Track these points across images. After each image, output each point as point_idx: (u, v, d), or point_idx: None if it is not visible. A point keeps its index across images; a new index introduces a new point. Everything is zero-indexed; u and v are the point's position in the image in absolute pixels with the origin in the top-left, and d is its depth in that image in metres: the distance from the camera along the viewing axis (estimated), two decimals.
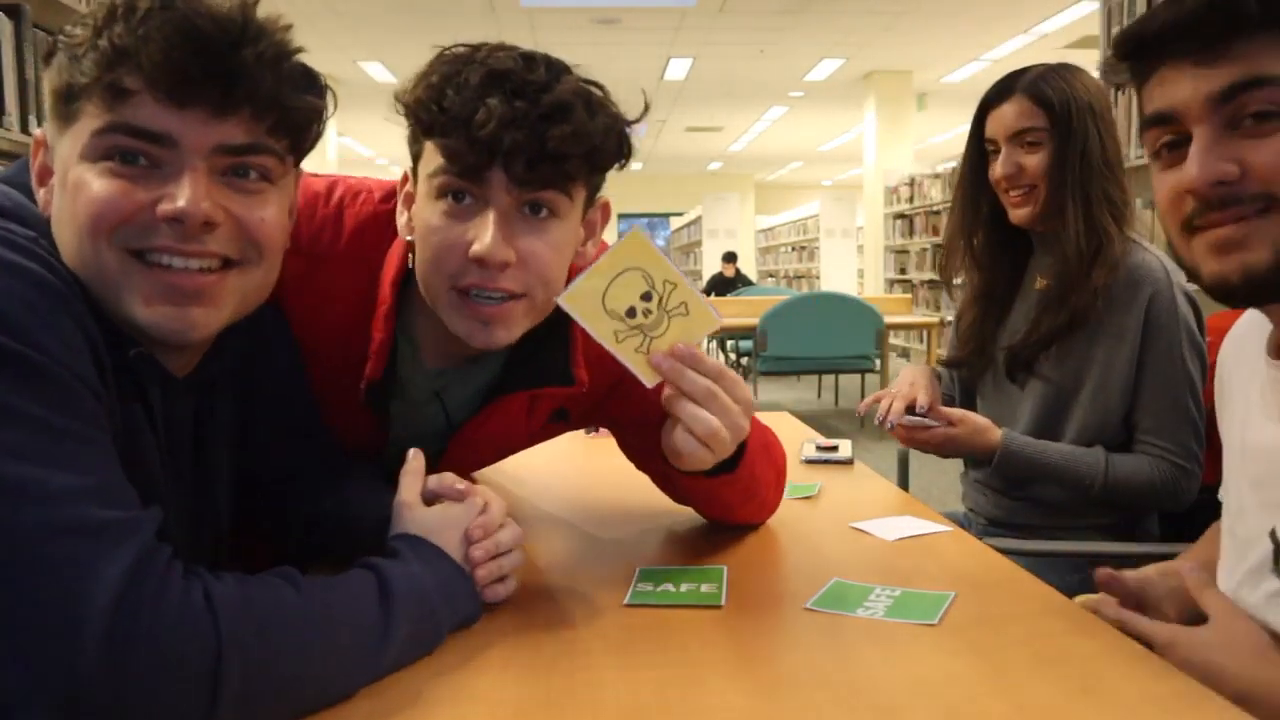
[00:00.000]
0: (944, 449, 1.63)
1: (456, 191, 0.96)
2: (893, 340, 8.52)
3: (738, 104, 13.03)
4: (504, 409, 1.15)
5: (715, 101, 12.77)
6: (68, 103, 0.78)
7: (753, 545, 1.20)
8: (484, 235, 0.94)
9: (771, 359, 5.81)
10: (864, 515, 1.29)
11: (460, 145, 0.93)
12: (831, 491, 1.45)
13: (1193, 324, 1.55)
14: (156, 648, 0.66)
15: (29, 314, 0.71)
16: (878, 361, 5.96)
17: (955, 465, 1.84)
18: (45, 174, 0.82)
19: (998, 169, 1.61)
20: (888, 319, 5.91)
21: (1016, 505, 1.69)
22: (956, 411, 1.63)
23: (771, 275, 17.19)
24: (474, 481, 1.02)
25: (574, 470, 1.62)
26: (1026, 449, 1.58)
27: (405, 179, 1.06)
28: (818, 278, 13.50)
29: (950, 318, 1.91)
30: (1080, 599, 1.01)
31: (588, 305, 0.93)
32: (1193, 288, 1.17)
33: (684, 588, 1.01)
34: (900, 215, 10.34)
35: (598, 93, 0.99)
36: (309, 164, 0.96)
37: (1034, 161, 1.58)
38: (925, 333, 7.22)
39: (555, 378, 1.10)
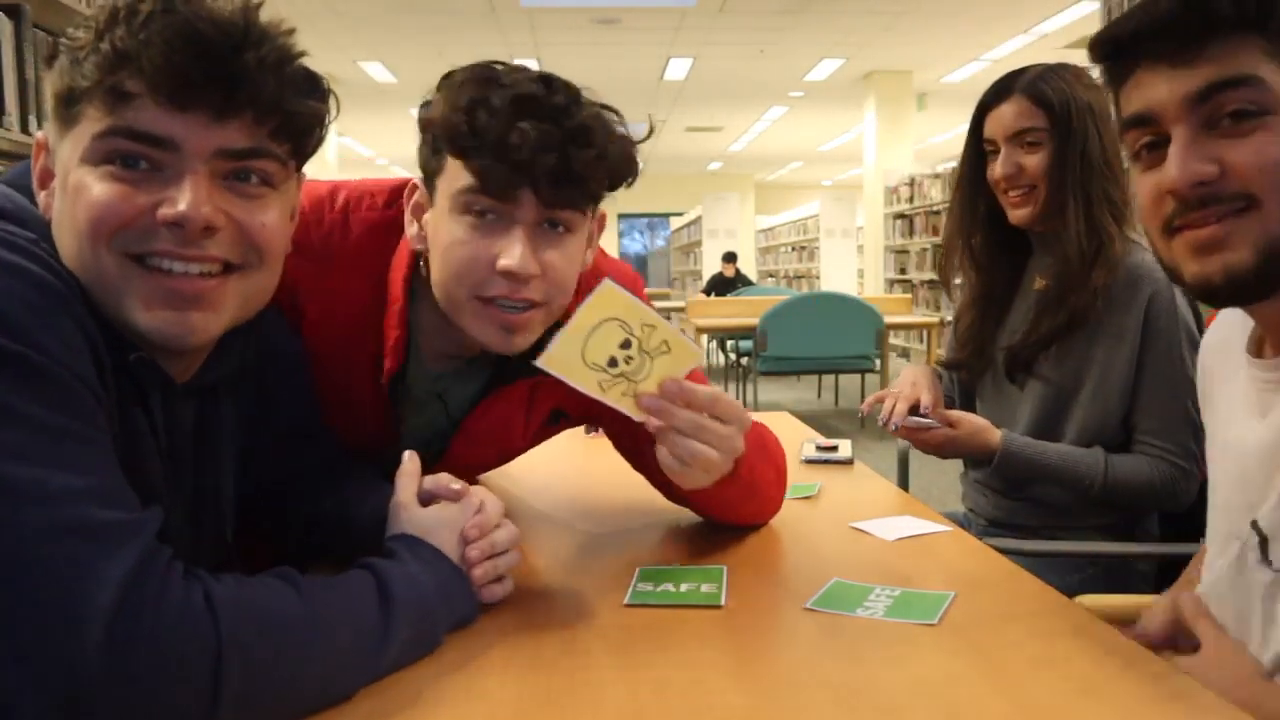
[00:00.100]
0: (944, 449, 1.63)
1: (483, 209, 1.00)
2: (893, 340, 8.52)
3: (738, 104, 13.03)
4: (505, 400, 1.18)
5: (715, 101, 12.77)
6: (69, 106, 0.78)
7: (753, 545, 1.20)
8: (514, 251, 0.99)
9: (771, 359, 5.81)
10: (864, 515, 1.29)
11: (495, 167, 0.97)
12: (831, 491, 1.45)
13: (1192, 324, 1.55)
14: (157, 648, 0.66)
15: (29, 314, 0.71)
16: (878, 361, 5.96)
17: (955, 465, 1.84)
18: (46, 177, 0.82)
19: (997, 169, 1.61)
20: (888, 319, 5.91)
21: (1016, 506, 1.68)
22: (955, 413, 1.63)
23: (771, 275, 17.19)
24: (476, 483, 1.03)
25: (574, 470, 1.62)
26: (1026, 449, 1.58)
27: (413, 189, 1.09)
28: (818, 278, 13.50)
29: (950, 318, 1.91)
30: (1081, 598, 1.02)
31: (568, 363, 0.95)
32: None
33: (684, 588, 1.01)
34: (900, 215, 10.34)
35: (612, 115, 1.05)
36: (307, 165, 0.96)
37: (1034, 162, 1.57)
38: (925, 333, 7.22)
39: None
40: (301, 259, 0.97)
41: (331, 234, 1.12)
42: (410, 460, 1.00)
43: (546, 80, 1.01)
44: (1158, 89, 0.85)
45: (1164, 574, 1.57)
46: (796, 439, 1.79)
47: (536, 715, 0.76)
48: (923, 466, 3.48)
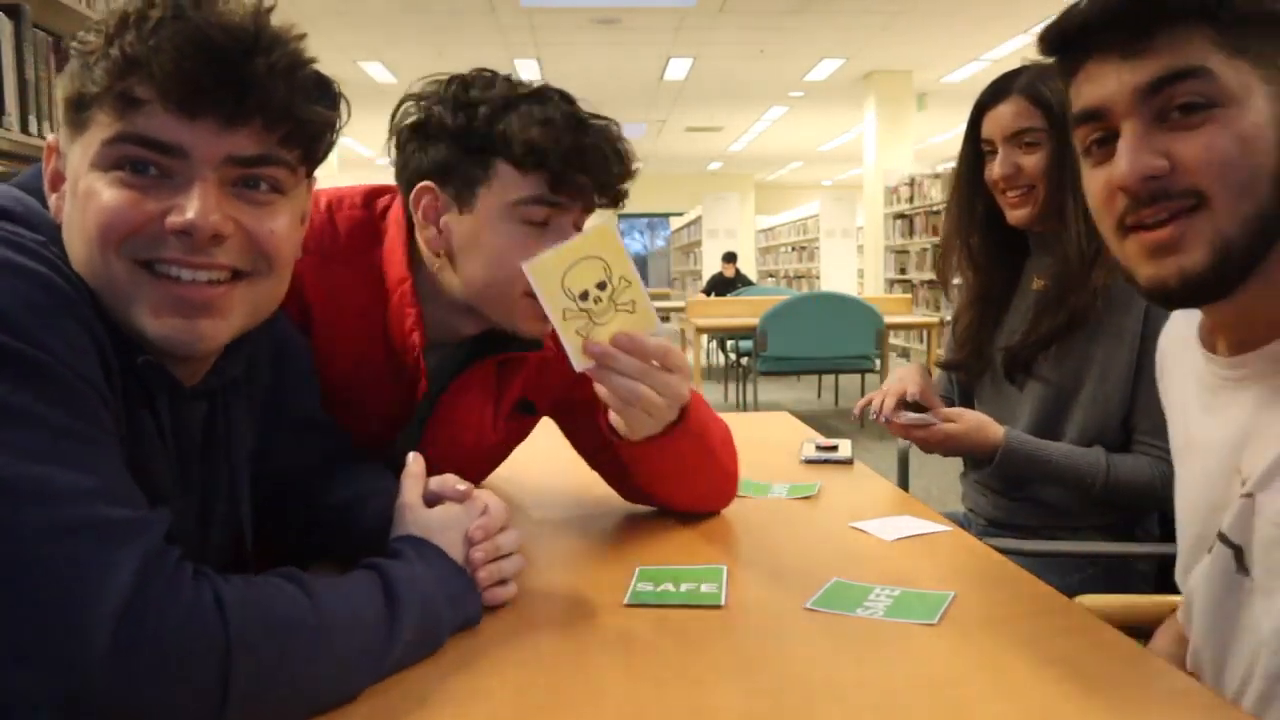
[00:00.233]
0: (945, 446, 1.62)
1: (546, 218, 1.12)
2: (893, 340, 8.52)
3: (738, 104, 13.03)
4: (473, 380, 1.24)
5: (715, 101, 12.77)
6: (79, 110, 0.78)
7: (753, 545, 1.20)
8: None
9: (771, 359, 5.81)
10: (864, 515, 1.29)
11: (582, 179, 1.11)
12: (831, 491, 1.45)
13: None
14: (165, 649, 0.66)
15: (33, 315, 0.71)
16: (878, 361, 5.95)
17: (955, 465, 1.84)
18: (57, 180, 0.82)
19: (995, 170, 1.61)
20: (888, 319, 5.90)
21: (1016, 506, 1.68)
22: (955, 410, 1.62)
23: (771, 275, 17.19)
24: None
25: (574, 470, 1.61)
26: (1028, 446, 1.58)
27: (422, 192, 1.14)
28: (818, 278, 13.50)
29: (950, 318, 1.91)
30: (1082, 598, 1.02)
31: (548, 277, 1.02)
32: None
33: (684, 588, 1.01)
34: (900, 215, 10.34)
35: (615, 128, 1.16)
36: None
37: (1032, 162, 1.57)
38: (925, 333, 7.22)
39: (521, 346, 1.23)
40: (302, 256, 0.97)
41: (323, 234, 1.18)
42: (415, 462, 1.01)
43: (567, 96, 1.15)
44: (1108, 82, 0.84)
45: (1164, 574, 1.56)
46: (796, 439, 1.79)
47: (536, 715, 0.76)
48: (923, 466, 3.49)
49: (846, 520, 1.27)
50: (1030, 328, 1.63)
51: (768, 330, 5.64)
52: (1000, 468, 1.59)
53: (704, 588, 1.01)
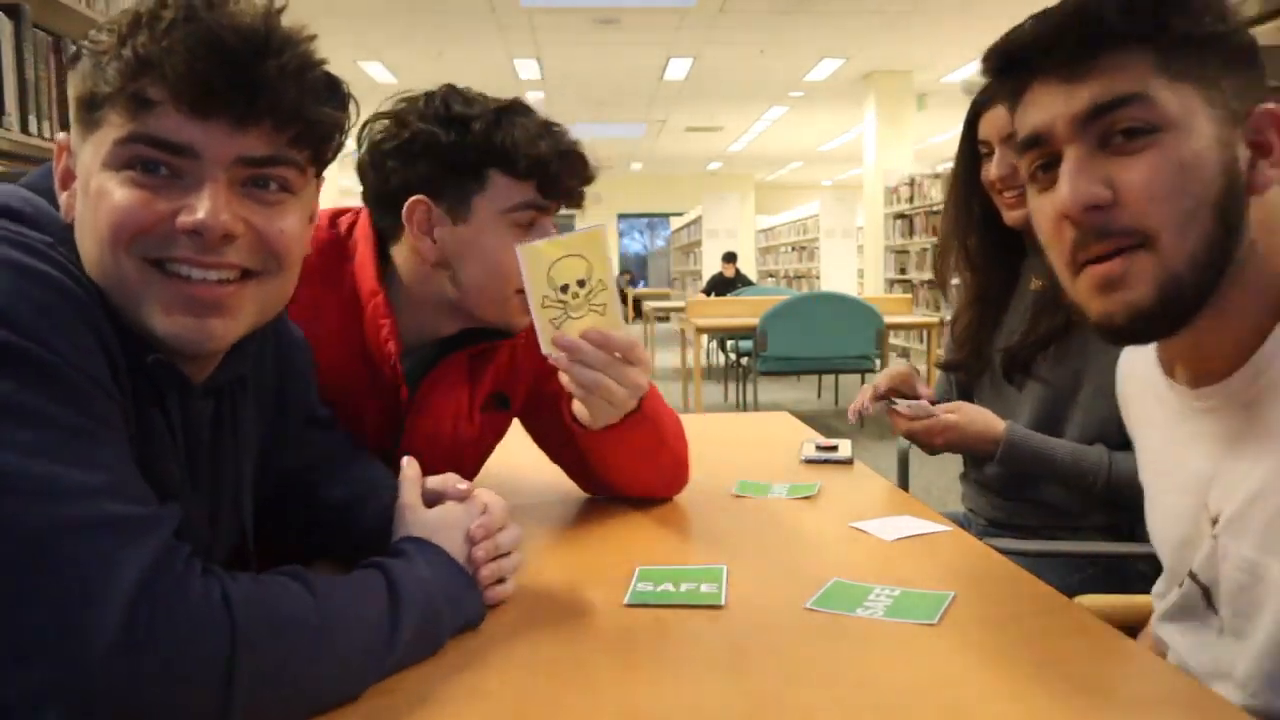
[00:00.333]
0: (946, 437, 1.61)
1: (529, 221, 1.21)
2: (893, 340, 8.52)
3: (738, 104, 13.03)
4: (448, 370, 1.28)
5: (715, 101, 12.77)
6: (91, 110, 0.78)
7: (753, 545, 1.20)
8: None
9: (771, 359, 5.81)
10: (864, 515, 1.29)
11: (569, 183, 1.22)
12: (831, 491, 1.45)
13: None
14: (173, 646, 0.66)
15: (39, 315, 0.71)
16: (878, 361, 5.95)
17: (955, 465, 1.84)
18: (68, 178, 0.82)
19: (992, 170, 1.61)
20: (888, 319, 5.90)
21: (1016, 506, 1.68)
22: (954, 403, 1.62)
23: (771, 275, 17.18)
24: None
25: None
26: (1031, 439, 1.57)
27: (415, 205, 1.20)
28: (818, 278, 13.49)
29: (950, 318, 1.91)
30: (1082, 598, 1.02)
31: (537, 264, 1.09)
32: None
33: (684, 588, 1.02)
34: (900, 215, 10.34)
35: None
36: None
37: None
38: (925, 333, 7.22)
39: (493, 335, 1.29)
40: None
41: None
42: (410, 465, 1.02)
43: (529, 105, 1.24)
44: (1050, 107, 0.83)
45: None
46: (796, 439, 1.79)
47: (536, 715, 0.76)
48: (923, 466, 3.49)
49: (846, 520, 1.27)
50: (1029, 328, 1.62)
51: (768, 330, 5.64)
52: (1002, 462, 1.58)
53: (704, 588, 1.01)
